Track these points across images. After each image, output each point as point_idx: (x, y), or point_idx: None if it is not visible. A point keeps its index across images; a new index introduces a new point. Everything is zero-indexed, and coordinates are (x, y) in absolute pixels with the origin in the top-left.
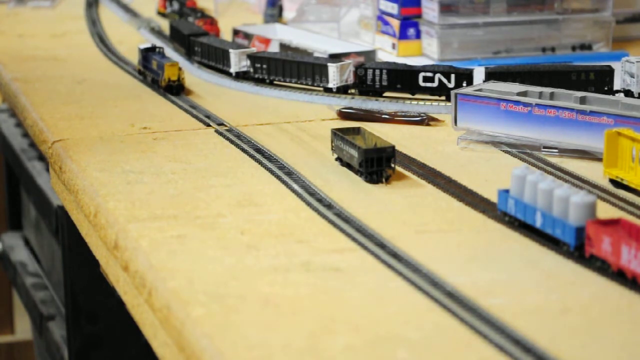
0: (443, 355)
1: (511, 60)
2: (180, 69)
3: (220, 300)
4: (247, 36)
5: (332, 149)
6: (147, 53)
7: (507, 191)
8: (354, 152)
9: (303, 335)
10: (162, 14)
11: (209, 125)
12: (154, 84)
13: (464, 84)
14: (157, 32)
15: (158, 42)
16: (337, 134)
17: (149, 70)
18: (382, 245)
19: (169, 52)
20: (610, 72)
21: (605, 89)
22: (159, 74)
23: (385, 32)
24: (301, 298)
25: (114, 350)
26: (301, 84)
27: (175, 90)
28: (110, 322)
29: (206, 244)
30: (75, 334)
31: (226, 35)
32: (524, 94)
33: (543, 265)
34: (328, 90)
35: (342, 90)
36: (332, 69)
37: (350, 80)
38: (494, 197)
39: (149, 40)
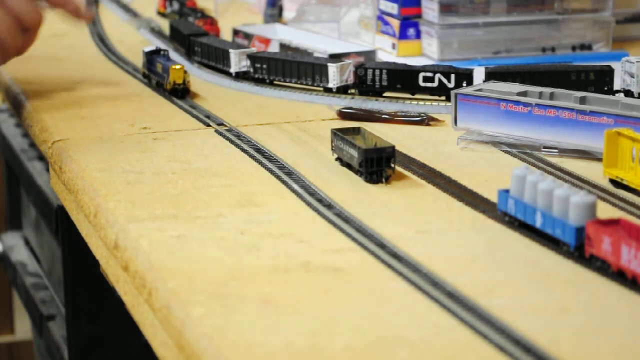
0: (443, 355)
1: (511, 60)
2: (185, 72)
3: (220, 300)
4: (247, 36)
5: (332, 149)
6: (152, 56)
7: (507, 191)
8: (354, 152)
9: (303, 335)
10: (162, 14)
11: (209, 125)
12: (159, 87)
13: (464, 84)
14: (157, 32)
15: (158, 42)
16: (337, 134)
17: (153, 73)
18: (382, 245)
19: (169, 52)
20: (610, 72)
21: (605, 89)
22: (164, 77)
23: (385, 32)
24: (301, 298)
25: (114, 350)
26: (301, 84)
27: (180, 93)
28: (110, 322)
29: (206, 244)
30: (75, 334)
31: (226, 35)
32: (524, 94)
33: (543, 265)
34: (328, 90)
35: (342, 90)
36: (332, 69)
37: (350, 80)
38: (494, 197)
39: (149, 40)
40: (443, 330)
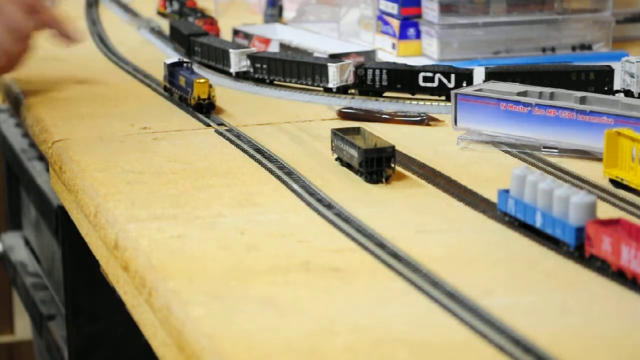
0: (443, 355)
1: (511, 60)
2: (210, 86)
3: (220, 300)
4: (247, 36)
5: (332, 149)
6: (174, 68)
7: (507, 191)
8: (354, 152)
9: (303, 335)
10: (162, 14)
11: (209, 125)
12: (182, 102)
13: (464, 84)
14: (157, 32)
15: (158, 42)
16: (337, 134)
17: (175, 87)
18: (382, 245)
19: (169, 52)
20: (610, 72)
21: (605, 89)
22: (187, 91)
23: (385, 32)
24: (301, 298)
25: (114, 350)
26: (301, 84)
27: (205, 109)
28: (110, 322)
29: (206, 244)
30: (75, 334)
31: (226, 35)
32: (524, 94)
33: (543, 265)
34: (328, 90)
35: (342, 90)
36: (332, 69)
37: (350, 80)
38: (494, 197)
39: (149, 40)
40: (443, 330)
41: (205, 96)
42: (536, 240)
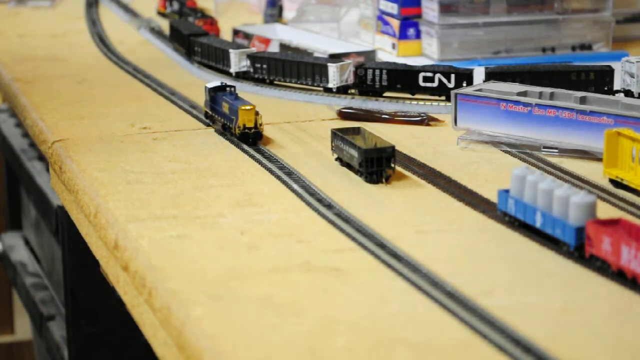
0: (443, 355)
1: (511, 60)
2: (257, 113)
3: (220, 300)
4: (247, 36)
5: (332, 149)
6: (216, 93)
7: (507, 191)
8: (354, 152)
9: (303, 335)
10: (162, 14)
11: (209, 125)
12: (226, 131)
13: (464, 84)
14: (157, 32)
15: (158, 42)
16: (337, 134)
17: (218, 114)
18: (382, 245)
19: (169, 52)
20: (610, 72)
21: (605, 89)
22: (232, 119)
23: (385, 32)
24: (301, 298)
25: (114, 350)
26: (301, 84)
27: (251, 139)
28: (110, 322)
29: (206, 244)
30: (75, 334)
31: (226, 35)
32: (524, 94)
33: (543, 265)
34: (328, 90)
35: (342, 90)
36: (332, 69)
37: (350, 80)
38: (494, 197)
39: (149, 40)
40: (443, 330)
41: (251, 124)
42: (536, 240)
